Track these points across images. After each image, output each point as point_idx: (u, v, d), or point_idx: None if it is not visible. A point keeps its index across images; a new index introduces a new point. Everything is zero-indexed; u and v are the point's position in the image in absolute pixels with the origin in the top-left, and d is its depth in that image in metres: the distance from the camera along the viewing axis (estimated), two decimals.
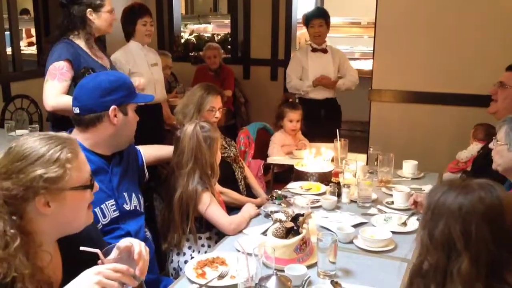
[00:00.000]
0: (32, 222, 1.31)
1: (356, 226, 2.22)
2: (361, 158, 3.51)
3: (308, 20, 4.27)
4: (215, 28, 7.78)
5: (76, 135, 2.00)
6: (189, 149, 2.30)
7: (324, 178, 2.81)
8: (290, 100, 3.77)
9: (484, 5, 3.64)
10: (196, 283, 1.79)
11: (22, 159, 1.29)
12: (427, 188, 2.71)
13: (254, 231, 2.23)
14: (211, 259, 1.94)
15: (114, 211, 2.02)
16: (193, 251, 2.31)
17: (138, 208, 2.14)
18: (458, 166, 3.08)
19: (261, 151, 3.64)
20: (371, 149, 3.12)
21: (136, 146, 2.29)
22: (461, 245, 1.19)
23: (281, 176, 3.48)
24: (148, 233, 2.23)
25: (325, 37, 4.26)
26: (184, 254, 2.31)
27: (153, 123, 3.48)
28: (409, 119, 3.97)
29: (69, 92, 2.57)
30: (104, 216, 1.99)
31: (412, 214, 2.30)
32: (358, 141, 4.53)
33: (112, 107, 1.98)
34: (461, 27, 3.71)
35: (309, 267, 1.84)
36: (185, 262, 2.22)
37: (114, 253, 1.38)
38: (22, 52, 5.28)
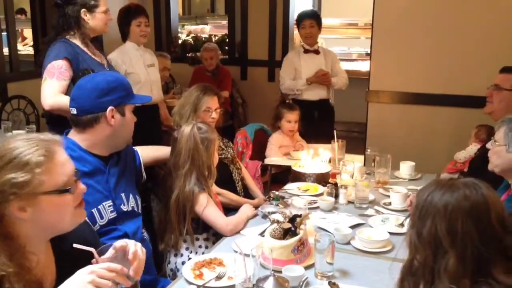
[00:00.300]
0: (14, 224, 1.28)
1: (353, 227, 2.22)
2: (358, 159, 3.50)
3: (299, 21, 4.26)
4: (212, 29, 7.76)
5: (74, 135, 2.01)
6: (186, 150, 2.29)
7: (322, 179, 2.81)
8: (288, 101, 3.76)
9: (483, 6, 3.65)
10: (193, 284, 1.79)
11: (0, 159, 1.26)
12: None
13: (252, 232, 2.22)
14: (209, 260, 1.94)
15: (111, 212, 2.02)
16: (191, 252, 2.30)
17: (135, 209, 2.14)
18: (456, 167, 3.09)
19: (259, 152, 3.64)
20: (369, 150, 3.13)
21: (133, 147, 2.29)
22: (447, 243, 1.21)
23: (279, 177, 3.48)
24: (145, 234, 2.22)
25: (316, 38, 4.24)
26: (182, 255, 2.30)
27: (150, 124, 3.47)
28: (406, 120, 3.98)
29: (67, 92, 2.55)
30: (102, 217, 1.98)
31: (409, 215, 2.30)
32: (355, 142, 4.52)
33: (110, 108, 1.97)
34: (459, 28, 3.72)
35: (306, 268, 1.84)
36: (183, 263, 2.21)
37: (109, 253, 1.37)
38: (19, 52, 5.27)
